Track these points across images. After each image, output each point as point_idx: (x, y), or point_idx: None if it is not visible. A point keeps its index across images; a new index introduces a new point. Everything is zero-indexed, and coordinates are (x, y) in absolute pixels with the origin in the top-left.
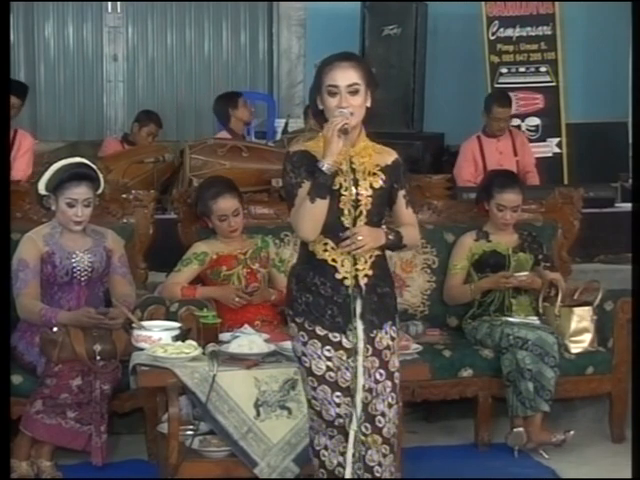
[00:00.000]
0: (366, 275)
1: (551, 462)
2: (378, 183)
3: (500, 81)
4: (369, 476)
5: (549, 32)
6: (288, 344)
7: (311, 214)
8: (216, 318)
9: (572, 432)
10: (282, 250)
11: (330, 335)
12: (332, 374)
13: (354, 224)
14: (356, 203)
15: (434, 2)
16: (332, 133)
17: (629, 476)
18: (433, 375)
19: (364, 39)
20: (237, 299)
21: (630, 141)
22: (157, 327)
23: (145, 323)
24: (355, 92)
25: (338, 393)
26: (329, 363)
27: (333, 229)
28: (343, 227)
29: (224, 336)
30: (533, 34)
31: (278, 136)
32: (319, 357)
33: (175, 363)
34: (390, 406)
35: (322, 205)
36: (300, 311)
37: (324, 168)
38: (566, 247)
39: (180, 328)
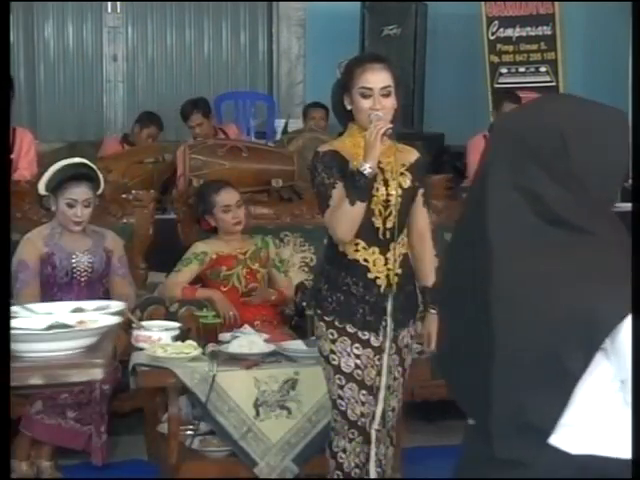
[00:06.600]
0: (396, 274)
1: None
2: (406, 183)
3: (500, 81)
4: (378, 469)
5: (549, 32)
6: (288, 344)
7: (350, 216)
8: (216, 318)
9: None
10: (282, 250)
11: (360, 333)
12: (359, 372)
13: (384, 224)
14: (386, 203)
15: (434, 2)
16: (376, 137)
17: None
18: (433, 375)
19: (364, 39)
20: (231, 313)
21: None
22: (157, 327)
23: (145, 323)
24: (388, 94)
25: (364, 391)
26: (357, 361)
27: (364, 229)
28: (373, 227)
29: (224, 336)
30: (533, 34)
31: (278, 136)
32: (348, 354)
33: (175, 363)
34: (399, 401)
35: (361, 208)
36: (330, 310)
37: (366, 172)
38: None
39: (180, 328)
